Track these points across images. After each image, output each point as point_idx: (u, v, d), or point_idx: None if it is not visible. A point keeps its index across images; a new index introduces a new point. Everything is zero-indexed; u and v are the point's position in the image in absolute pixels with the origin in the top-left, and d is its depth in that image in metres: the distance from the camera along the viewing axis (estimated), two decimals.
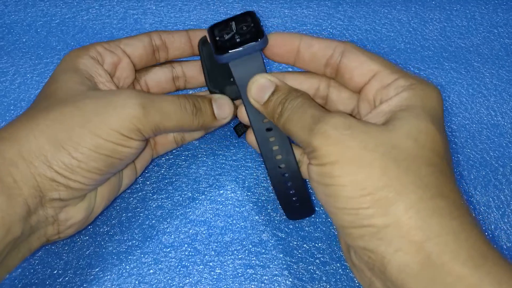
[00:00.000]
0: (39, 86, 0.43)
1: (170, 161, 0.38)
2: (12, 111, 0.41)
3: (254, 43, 0.29)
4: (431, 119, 0.24)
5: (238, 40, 0.29)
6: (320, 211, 0.36)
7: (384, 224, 0.22)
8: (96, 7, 0.50)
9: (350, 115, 0.26)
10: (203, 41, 0.33)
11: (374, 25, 0.51)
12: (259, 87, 0.29)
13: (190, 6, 0.51)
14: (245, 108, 0.31)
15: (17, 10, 0.49)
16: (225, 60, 0.29)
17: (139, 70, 0.34)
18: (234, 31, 0.30)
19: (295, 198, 0.33)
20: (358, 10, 0.52)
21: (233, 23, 0.31)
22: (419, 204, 0.22)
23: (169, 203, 0.36)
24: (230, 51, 0.29)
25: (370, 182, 0.22)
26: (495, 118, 0.43)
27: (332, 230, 0.35)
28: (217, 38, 0.30)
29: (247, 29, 0.30)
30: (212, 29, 0.31)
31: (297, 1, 0.52)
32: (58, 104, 0.26)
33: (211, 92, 0.34)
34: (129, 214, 0.35)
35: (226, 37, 0.30)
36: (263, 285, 0.32)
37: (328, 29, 0.50)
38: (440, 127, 0.25)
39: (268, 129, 0.31)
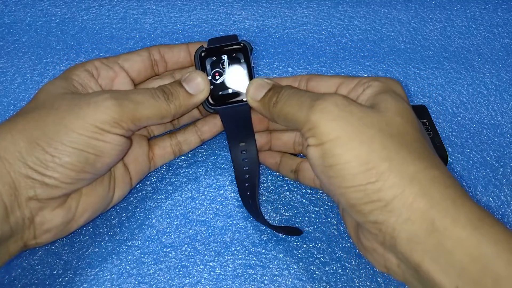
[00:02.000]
0: (38, 86, 0.43)
1: (170, 161, 0.38)
2: (12, 111, 0.41)
3: (244, 103, 0.33)
4: (405, 101, 0.27)
5: (230, 91, 0.33)
6: (320, 211, 0.36)
7: (392, 196, 0.23)
8: (96, 7, 0.50)
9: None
10: (200, 55, 0.33)
11: (374, 25, 0.51)
12: (257, 86, 0.31)
13: (190, 6, 0.51)
14: (229, 144, 0.34)
15: (17, 10, 0.49)
16: (216, 110, 0.33)
17: (139, 83, 0.35)
18: (226, 73, 0.33)
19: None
20: (358, 10, 0.52)
21: (226, 58, 0.33)
22: (419, 174, 0.23)
23: (169, 203, 0.36)
24: (221, 107, 0.33)
25: (373, 156, 0.23)
26: (495, 118, 0.43)
27: (332, 230, 0.35)
28: (209, 79, 0.33)
29: (240, 77, 0.33)
30: (204, 59, 0.33)
31: (297, 1, 0.52)
32: (37, 107, 0.27)
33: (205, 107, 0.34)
34: (129, 214, 0.35)
35: (218, 80, 0.33)
36: (263, 285, 0.32)
37: (328, 29, 0.50)
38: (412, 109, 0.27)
39: (244, 159, 0.34)
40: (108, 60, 0.32)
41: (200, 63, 0.33)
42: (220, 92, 0.33)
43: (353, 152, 0.24)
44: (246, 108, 0.33)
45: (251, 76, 0.33)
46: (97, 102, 0.27)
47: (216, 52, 0.33)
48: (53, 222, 0.27)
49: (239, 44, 0.33)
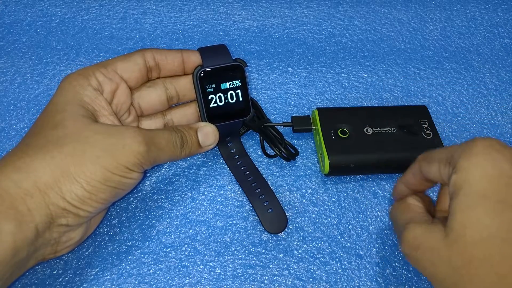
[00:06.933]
0: (38, 86, 0.43)
1: (171, 162, 0.38)
2: (12, 111, 0.41)
3: (241, 119, 0.36)
4: (476, 202, 0.24)
5: (228, 109, 0.35)
6: (320, 211, 0.36)
7: None
8: (96, 7, 0.50)
9: None
10: (199, 75, 0.34)
11: (374, 25, 0.51)
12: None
13: (190, 6, 0.51)
14: (220, 151, 0.38)
15: (17, 10, 0.49)
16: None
17: (132, 90, 0.35)
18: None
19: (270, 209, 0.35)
20: (358, 10, 0.52)
21: (224, 79, 0.34)
22: None
23: (169, 203, 0.36)
24: (219, 124, 0.35)
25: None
26: (495, 118, 0.43)
27: (332, 230, 0.35)
28: (209, 98, 0.35)
29: (237, 97, 0.35)
30: (203, 80, 0.34)
31: (297, 1, 0.52)
32: (70, 139, 0.28)
33: None
34: (129, 214, 0.35)
35: (217, 100, 0.35)
36: (263, 285, 0.32)
37: (328, 29, 0.50)
38: (491, 203, 0.24)
39: (238, 160, 0.38)
40: (107, 71, 0.32)
41: (199, 85, 0.34)
42: (219, 112, 0.35)
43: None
44: (239, 123, 0.37)
45: (247, 95, 0.35)
46: (131, 146, 0.29)
47: (215, 73, 0.34)
48: (74, 239, 0.30)
49: (235, 64, 0.34)
